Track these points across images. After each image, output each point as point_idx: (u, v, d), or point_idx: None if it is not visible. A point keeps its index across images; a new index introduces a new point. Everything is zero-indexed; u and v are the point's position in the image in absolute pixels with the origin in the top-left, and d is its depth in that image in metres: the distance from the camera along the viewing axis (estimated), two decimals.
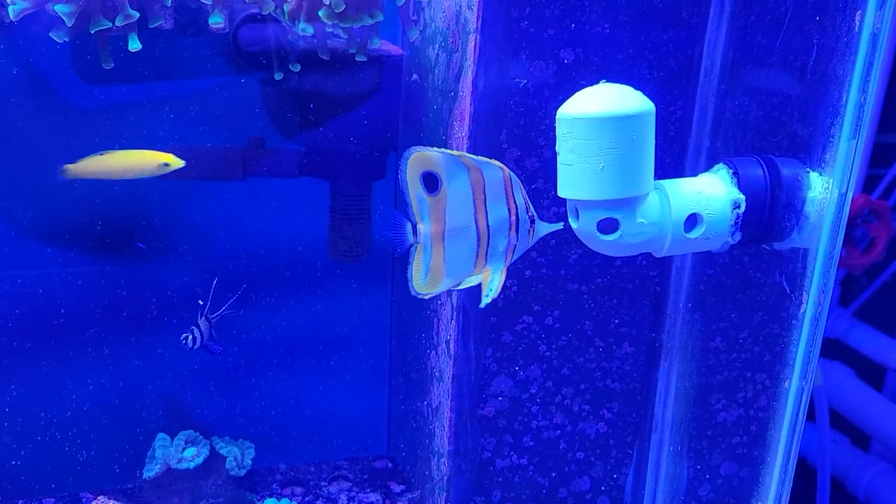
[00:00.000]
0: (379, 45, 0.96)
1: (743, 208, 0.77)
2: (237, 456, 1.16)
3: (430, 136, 1.05)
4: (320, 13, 0.89)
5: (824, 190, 0.76)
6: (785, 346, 0.84)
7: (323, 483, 1.27)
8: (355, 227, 1.12)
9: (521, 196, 0.76)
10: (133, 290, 1.14)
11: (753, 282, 1.05)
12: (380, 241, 1.12)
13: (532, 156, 0.95)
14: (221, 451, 1.15)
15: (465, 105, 0.94)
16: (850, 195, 0.76)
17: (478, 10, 0.90)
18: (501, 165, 0.75)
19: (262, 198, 1.17)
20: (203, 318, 0.98)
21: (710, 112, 0.96)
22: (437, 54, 1.02)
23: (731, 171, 0.78)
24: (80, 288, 1.12)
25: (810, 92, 0.80)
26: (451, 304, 1.02)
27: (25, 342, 1.12)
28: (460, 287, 0.79)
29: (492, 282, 0.77)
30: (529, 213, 0.77)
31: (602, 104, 0.68)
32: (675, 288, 1.05)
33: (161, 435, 1.14)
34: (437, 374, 1.08)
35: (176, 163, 0.96)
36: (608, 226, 0.73)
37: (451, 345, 1.03)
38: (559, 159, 0.71)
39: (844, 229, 0.77)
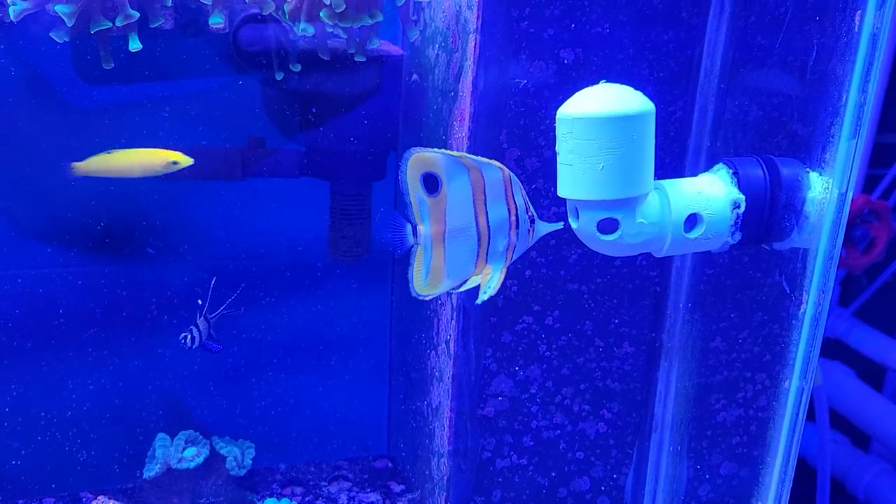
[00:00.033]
0: (379, 45, 0.96)
1: (743, 208, 0.77)
2: (237, 456, 1.16)
3: (430, 136, 1.05)
4: (321, 13, 0.89)
5: (824, 190, 0.76)
6: (785, 346, 0.84)
7: (323, 483, 1.27)
8: (355, 227, 1.12)
9: (521, 196, 0.76)
10: (133, 290, 1.14)
11: (753, 282, 1.05)
12: (380, 242, 1.12)
13: (532, 156, 0.95)
14: (221, 451, 1.15)
15: (465, 105, 0.94)
16: (849, 195, 0.76)
17: (478, 10, 0.90)
18: (501, 166, 0.75)
19: (262, 198, 1.17)
20: (202, 317, 0.98)
21: (710, 112, 0.96)
22: (437, 54, 1.02)
23: (730, 171, 0.78)
24: (80, 288, 1.12)
25: (810, 92, 0.80)
26: (451, 305, 1.02)
27: (25, 342, 1.12)
28: (461, 289, 0.79)
29: (490, 279, 0.77)
30: (529, 213, 0.77)
31: (602, 104, 0.68)
32: (675, 288, 1.05)
33: (161, 435, 1.14)
34: (437, 374, 1.08)
35: (185, 161, 0.96)
36: (608, 226, 0.73)
37: (451, 345, 1.03)
38: (559, 159, 0.71)
39: (844, 229, 0.77)
